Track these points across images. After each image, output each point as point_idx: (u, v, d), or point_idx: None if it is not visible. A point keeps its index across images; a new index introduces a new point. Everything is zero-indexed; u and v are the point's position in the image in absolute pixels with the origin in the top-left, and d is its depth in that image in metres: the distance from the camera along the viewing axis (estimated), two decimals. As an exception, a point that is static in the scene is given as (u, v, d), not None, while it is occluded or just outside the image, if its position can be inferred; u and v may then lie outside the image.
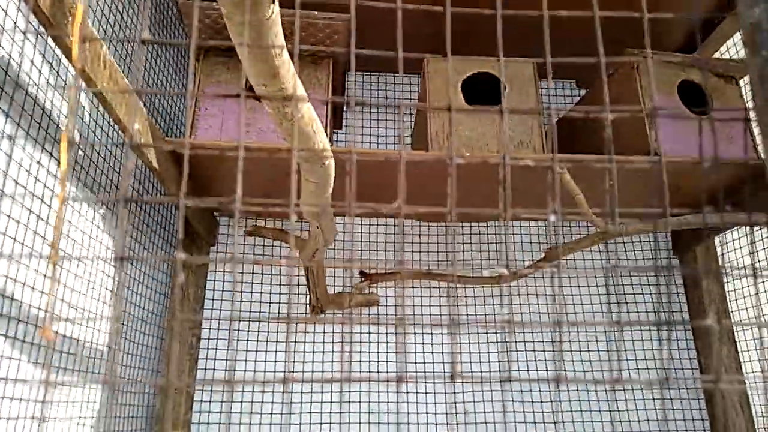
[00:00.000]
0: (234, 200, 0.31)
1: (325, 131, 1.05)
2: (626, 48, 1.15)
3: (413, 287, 1.36)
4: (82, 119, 0.84)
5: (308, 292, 1.22)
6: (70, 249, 0.80)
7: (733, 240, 1.33)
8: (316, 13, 0.98)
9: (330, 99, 1.09)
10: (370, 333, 1.29)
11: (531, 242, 1.41)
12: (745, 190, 1.09)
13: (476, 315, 1.34)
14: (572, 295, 1.37)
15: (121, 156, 0.96)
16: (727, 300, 1.32)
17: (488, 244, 1.40)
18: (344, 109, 1.41)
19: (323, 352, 1.28)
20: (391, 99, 1.48)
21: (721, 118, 1.14)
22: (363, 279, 1.29)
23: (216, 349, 1.24)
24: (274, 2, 0.43)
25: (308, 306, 1.25)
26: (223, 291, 1.28)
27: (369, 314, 1.29)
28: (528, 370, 1.31)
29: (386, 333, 1.28)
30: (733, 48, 1.34)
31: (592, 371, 1.31)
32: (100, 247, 0.89)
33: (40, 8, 0.51)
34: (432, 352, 1.30)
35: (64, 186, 0.38)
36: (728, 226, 1.06)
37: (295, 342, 1.26)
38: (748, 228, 1.17)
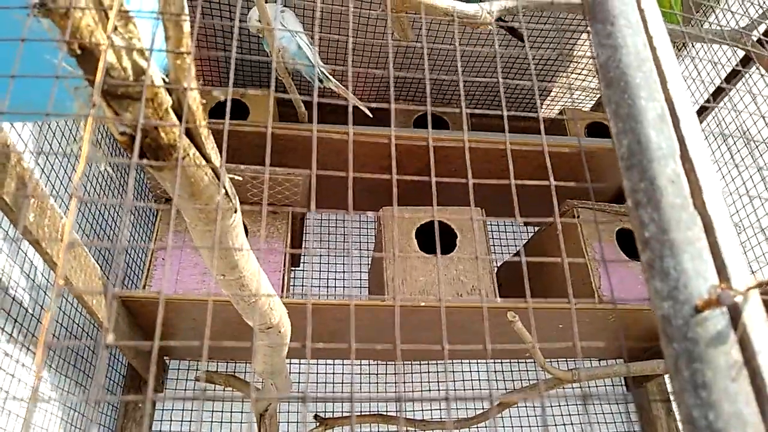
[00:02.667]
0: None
1: (283, 275, 1.07)
2: (567, 199, 1.24)
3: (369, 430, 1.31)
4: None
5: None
6: None
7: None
8: (277, 169, 1.03)
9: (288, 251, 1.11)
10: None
11: (489, 381, 1.40)
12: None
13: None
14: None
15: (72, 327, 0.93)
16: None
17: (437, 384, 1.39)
18: (302, 247, 1.44)
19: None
20: (348, 237, 1.52)
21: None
22: (318, 425, 1.24)
23: None
24: (236, 211, 0.46)
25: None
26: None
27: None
28: None
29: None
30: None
31: None
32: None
33: (5, 200, 0.52)
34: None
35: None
36: (660, 373, 1.10)
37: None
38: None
